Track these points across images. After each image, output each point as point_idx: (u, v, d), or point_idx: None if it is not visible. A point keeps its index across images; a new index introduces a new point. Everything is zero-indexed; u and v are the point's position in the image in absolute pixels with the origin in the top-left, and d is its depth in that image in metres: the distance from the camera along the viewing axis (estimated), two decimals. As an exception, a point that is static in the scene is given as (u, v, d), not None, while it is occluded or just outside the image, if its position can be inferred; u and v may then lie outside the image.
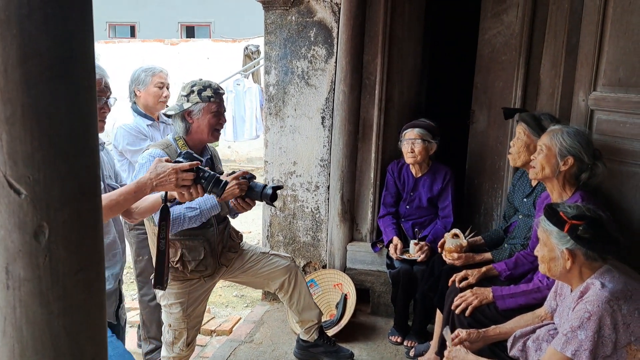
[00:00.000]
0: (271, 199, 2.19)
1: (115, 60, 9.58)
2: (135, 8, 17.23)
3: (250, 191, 2.22)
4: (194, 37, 16.98)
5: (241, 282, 2.72)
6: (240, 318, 3.70)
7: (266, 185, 2.23)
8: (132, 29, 17.93)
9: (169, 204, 1.95)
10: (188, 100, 2.28)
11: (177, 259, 2.28)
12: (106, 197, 1.73)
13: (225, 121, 2.39)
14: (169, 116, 2.36)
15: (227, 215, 2.51)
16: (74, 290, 0.86)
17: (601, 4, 2.39)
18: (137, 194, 1.80)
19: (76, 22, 0.83)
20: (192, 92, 2.28)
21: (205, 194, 1.91)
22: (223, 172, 2.47)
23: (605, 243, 1.66)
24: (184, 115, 2.29)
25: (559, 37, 2.74)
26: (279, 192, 2.30)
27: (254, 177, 2.27)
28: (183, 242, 2.29)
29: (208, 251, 2.34)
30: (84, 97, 0.86)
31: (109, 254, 2.13)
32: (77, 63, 0.84)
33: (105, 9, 16.56)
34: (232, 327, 3.59)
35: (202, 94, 2.27)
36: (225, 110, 2.39)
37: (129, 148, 2.87)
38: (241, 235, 2.63)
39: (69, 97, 0.83)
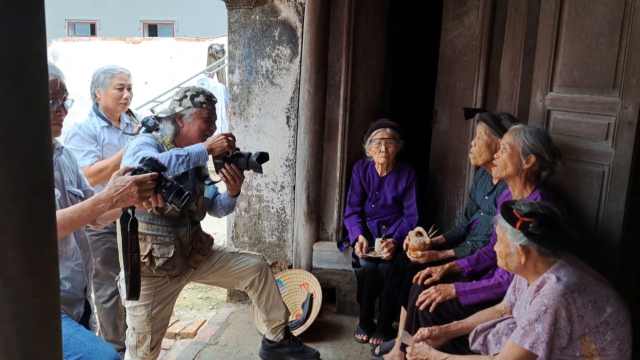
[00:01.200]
0: (259, 162, 2.25)
1: (75, 59, 9.34)
2: (96, 6, 16.83)
3: (236, 158, 2.28)
4: (156, 35, 16.70)
5: (211, 282, 2.72)
6: (205, 320, 3.65)
7: (251, 153, 2.29)
8: (93, 27, 17.51)
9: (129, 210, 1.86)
10: (180, 105, 2.32)
11: (145, 253, 2.26)
12: (60, 214, 1.60)
13: (215, 128, 2.41)
14: (159, 119, 2.37)
15: (215, 214, 2.58)
16: (26, 294, 0.83)
17: (557, 7, 2.47)
18: (93, 212, 1.68)
19: (26, 17, 0.80)
20: (185, 96, 2.33)
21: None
22: (208, 176, 2.52)
23: (556, 239, 1.71)
24: (175, 118, 2.33)
25: (517, 39, 2.82)
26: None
27: (237, 148, 2.33)
28: (154, 237, 2.28)
29: (178, 250, 2.33)
30: (36, 95, 0.83)
31: (71, 264, 2.04)
32: (27, 60, 0.81)
33: (65, 6, 16.09)
34: (197, 329, 3.54)
35: (195, 100, 2.32)
36: (216, 118, 2.42)
37: (72, 147, 2.76)
38: (212, 239, 2.63)
39: (20, 96, 0.80)
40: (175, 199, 1.80)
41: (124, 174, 1.76)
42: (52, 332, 0.91)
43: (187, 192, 1.83)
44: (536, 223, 1.69)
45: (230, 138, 2.27)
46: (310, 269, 3.46)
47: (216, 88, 7.41)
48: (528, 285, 1.84)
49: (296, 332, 3.03)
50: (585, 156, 2.37)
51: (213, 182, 2.48)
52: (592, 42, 2.31)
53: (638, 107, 2.16)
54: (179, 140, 2.34)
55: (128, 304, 2.37)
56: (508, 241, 1.77)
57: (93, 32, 17.25)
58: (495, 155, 2.32)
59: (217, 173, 2.37)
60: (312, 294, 3.29)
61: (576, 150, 2.40)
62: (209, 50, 9.05)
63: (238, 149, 2.33)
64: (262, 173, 2.44)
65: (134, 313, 2.37)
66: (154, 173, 1.75)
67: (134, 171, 1.75)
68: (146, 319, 2.36)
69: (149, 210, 2.22)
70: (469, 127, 3.18)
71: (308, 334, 3.07)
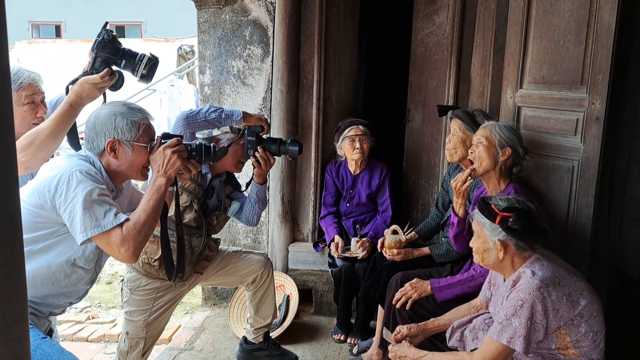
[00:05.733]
0: (299, 151, 2.30)
1: (39, 61, 9.09)
2: (61, 7, 16.43)
3: (267, 143, 2.30)
4: (124, 37, 16.36)
5: (215, 283, 2.74)
6: (180, 325, 3.59)
7: (281, 139, 2.32)
8: (58, 28, 17.09)
9: (172, 188, 1.91)
10: (218, 128, 2.32)
11: (156, 257, 2.25)
12: (135, 217, 1.65)
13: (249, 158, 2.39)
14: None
15: (251, 223, 2.61)
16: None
17: (525, 5, 2.50)
18: (159, 192, 1.73)
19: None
20: None
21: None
22: (237, 192, 2.59)
23: (533, 233, 1.73)
24: (211, 141, 2.31)
25: (487, 37, 2.85)
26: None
27: (262, 129, 2.32)
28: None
29: (187, 258, 2.32)
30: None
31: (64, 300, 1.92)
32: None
33: (29, 7, 15.68)
34: (172, 335, 3.48)
35: (234, 126, 2.33)
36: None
37: None
38: (219, 241, 2.62)
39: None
40: (207, 157, 1.87)
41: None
42: (18, 342, 0.86)
43: (212, 145, 1.90)
44: (515, 218, 1.71)
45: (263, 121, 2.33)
46: (286, 270, 3.43)
47: (187, 89, 7.30)
48: (504, 280, 1.85)
49: (274, 335, 3.00)
50: (556, 151, 2.41)
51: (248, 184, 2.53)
52: (559, 39, 2.36)
53: (605, 102, 2.21)
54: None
55: (126, 308, 2.36)
56: (486, 236, 1.78)
57: (58, 34, 16.82)
58: (470, 151, 2.33)
59: (246, 156, 2.34)
60: (288, 296, 3.26)
61: (547, 146, 2.44)
62: (178, 51, 8.92)
63: (262, 129, 2.33)
64: (296, 156, 2.39)
65: (131, 318, 2.35)
66: (178, 137, 1.80)
67: (161, 143, 1.80)
68: (142, 324, 2.34)
69: (172, 212, 2.13)
70: (441, 125, 3.20)
71: (285, 336, 3.04)
